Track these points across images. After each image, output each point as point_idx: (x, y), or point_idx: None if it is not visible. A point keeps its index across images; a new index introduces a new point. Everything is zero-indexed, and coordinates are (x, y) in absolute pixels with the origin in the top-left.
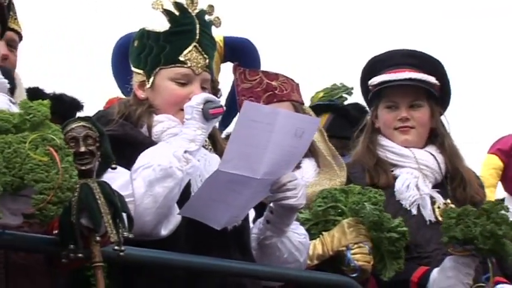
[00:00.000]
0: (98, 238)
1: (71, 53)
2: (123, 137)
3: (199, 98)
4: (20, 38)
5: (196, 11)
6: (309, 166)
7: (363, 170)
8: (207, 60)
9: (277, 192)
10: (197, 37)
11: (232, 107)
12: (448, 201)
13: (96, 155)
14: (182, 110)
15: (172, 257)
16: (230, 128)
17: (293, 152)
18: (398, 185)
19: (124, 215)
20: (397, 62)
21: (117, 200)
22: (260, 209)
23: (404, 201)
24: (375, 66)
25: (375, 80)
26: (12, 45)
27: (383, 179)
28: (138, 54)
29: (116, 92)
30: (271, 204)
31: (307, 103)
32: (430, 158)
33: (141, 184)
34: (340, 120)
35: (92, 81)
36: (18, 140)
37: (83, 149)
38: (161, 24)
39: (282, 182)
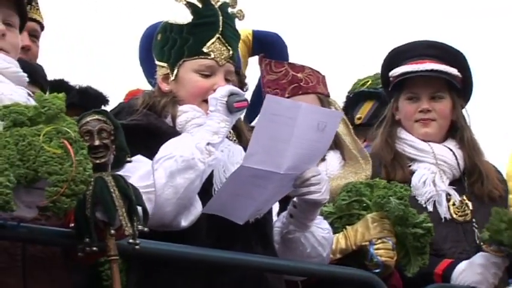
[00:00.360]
0: (112, 231)
1: (71, 53)
2: (146, 126)
3: (224, 90)
4: (42, 28)
5: (219, 3)
6: (333, 159)
7: (380, 164)
8: (231, 52)
9: (301, 187)
10: (220, 29)
11: (259, 100)
12: (464, 197)
13: (110, 148)
14: (206, 101)
15: (189, 251)
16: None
17: (316, 147)
18: (414, 180)
19: (139, 208)
20: (418, 53)
21: (131, 193)
22: (284, 202)
23: (420, 197)
24: (396, 57)
25: (396, 71)
26: (34, 36)
27: (399, 174)
28: (161, 47)
29: (122, 90)
30: (295, 199)
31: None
32: (448, 153)
33: (163, 175)
34: (384, 109)
35: (92, 81)
36: (33, 132)
37: (97, 142)
38: (183, 17)
39: (306, 176)
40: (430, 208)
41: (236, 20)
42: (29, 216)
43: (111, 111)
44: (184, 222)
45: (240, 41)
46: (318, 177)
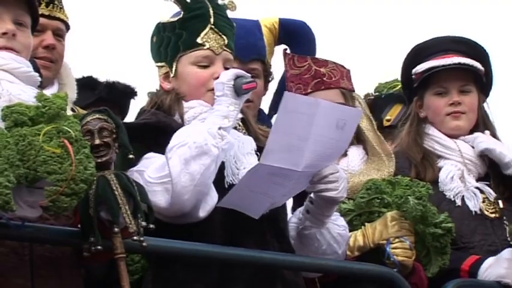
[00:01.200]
0: (116, 230)
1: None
2: (156, 124)
3: (229, 73)
4: (67, 27)
5: None
6: (355, 154)
7: (409, 163)
8: (226, 40)
9: (318, 183)
10: (211, 19)
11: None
12: (495, 194)
13: (112, 146)
14: (209, 91)
15: (200, 248)
16: None
17: (335, 145)
18: (442, 176)
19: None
20: (443, 48)
21: (135, 190)
22: (300, 198)
23: (448, 192)
24: (419, 53)
25: (422, 67)
26: (59, 35)
27: (429, 173)
28: (157, 48)
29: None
30: (312, 195)
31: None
32: (473, 151)
33: (177, 162)
34: None
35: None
36: (33, 132)
37: (97, 141)
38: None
39: (324, 173)
40: (459, 202)
41: (228, 11)
42: (32, 216)
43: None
44: (202, 213)
45: (267, 29)
46: (336, 174)
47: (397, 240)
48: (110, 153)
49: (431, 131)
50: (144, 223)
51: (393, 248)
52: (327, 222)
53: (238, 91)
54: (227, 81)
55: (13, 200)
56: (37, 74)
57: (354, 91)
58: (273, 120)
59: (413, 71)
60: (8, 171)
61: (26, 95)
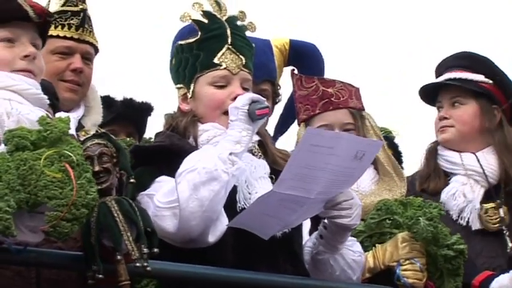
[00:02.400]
0: (119, 257)
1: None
2: (169, 147)
3: (244, 98)
4: (96, 50)
5: (226, 17)
6: (365, 174)
7: (418, 177)
8: (244, 60)
9: (332, 209)
10: (229, 40)
11: (291, 113)
12: (497, 204)
13: (113, 172)
14: (226, 113)
15: (204, 271)
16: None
17: (351, 174)
18: (442, 195)
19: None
20: (448, 65)
21: (137, 216)
22: (316, 222)
23: (452, 211)
24: (435, 71)
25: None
26: (87, 58)
27: (432, 184)
28: (176, 70)
29: None
30: (326, 220)
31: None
32: (475, 162)
33: (186, 188)
34: None
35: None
36: (34, 156)
37: (97, 168)
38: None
39: (337, 200)
40: (463, 222)
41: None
42: (33, 241)
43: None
44: (212, 238)
45: (277, 50)
46: (351, 201)
47: (407, 262)
48: (111, 179)
49: (441, 150)
50: (146, 249)
51: (403, 270)
52: (341, 248)
53: (252, 116)
54: (242, 106)
55: (14, 225)
56: (46, 97)
57: (363, 110)
58: (277, 143)
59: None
60: (8, 196)
61: (34, 115)
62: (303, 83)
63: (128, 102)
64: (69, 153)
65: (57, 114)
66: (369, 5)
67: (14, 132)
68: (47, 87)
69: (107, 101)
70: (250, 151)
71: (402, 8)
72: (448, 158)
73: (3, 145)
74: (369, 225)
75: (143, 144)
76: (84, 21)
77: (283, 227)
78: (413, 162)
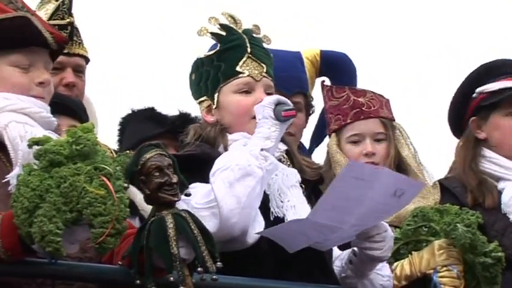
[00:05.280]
0: (200, 269)
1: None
2: (201, 156)
3: (270, 97)
4: (87, 61)
5: (241, 29)
6: None
7: (465, 189)
8: (265, 68)
9: (364, 240)
10: (248, 49)
11: (326, 123)
12: None
13: (178, 183)
14: (252, 118)
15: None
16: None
17: (388, 210)
18: (505, 198)
19: None
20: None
21: (208, 229)
22: None
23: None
24: (488, 72)
25: (493, 86)
26: (79, 71)
27: (489, 199)
28: (197, 84)
29: None
30: (356, 248)
31: None
32: None
33: (221, 186)
34: None
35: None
36: (73, 172)
37: (174, 179)
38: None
39: (371, 233)
40: None
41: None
42: (71, 252)
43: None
44: (250, 239)
45: (308, 61)
46: (383, 234)
47: (444, 268)
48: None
49: (488, 153)
50: (220, 263)
51: (440, 277)
52: (370, 274)
53: (278, 117)
54: (268, 104)
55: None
56: (55, 119)
57: (394, 120)
58: (313, 156)
59: (480, 89)
60: (56, 217)
61: None
62: (334, 93)
63: (185, 117)
64: (104, 166)
65: None
66: (387, 7)
67: (46, 147)
68: (78, 105)
69: (155, 114)
70: (279, 160)
71: (421, 9)
72: (501, 163)
73: (17, 168)
74: (405, 232)
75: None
76: (72, 34)
77: (314, 244)
78: (431, 165)
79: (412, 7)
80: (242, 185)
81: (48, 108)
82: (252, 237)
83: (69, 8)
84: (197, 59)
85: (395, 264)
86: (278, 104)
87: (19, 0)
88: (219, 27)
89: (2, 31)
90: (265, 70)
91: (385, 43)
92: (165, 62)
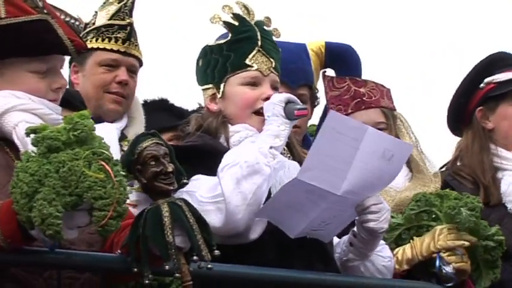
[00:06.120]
0: (195, 257)
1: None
2: (203, 147)
3: (280, 95)
4: (141, 63)
5: (254, 20)
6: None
7: (477, 186)
8: (273, 63)
9: (361, 213)
10: (259, 42)
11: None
12: None
13: (174, 172)
14: (255, 113)
15: (262, 272)
16: None
17: (380, 175)
18: (503, 187)
19: None
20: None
21: (203, 217)
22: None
23: (510, 204)
24: (496, 63)
25: (502, 77)
26: (132, 71)
27: (495, 196)
28: (204, 71)
29: None
30: (355, 228)
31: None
32: None
33: (229, 182)
34: None
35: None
36: (71, 157)
37: (170, 168)
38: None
39: (366, 205)
40: None
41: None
42: (70, 237)
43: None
44: (253, 234)
45: (313, 53)
46: (379, 205)
47: (448, 252)
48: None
49: (491, 145)
50: (217, 251)
51: (447, 256)
52: (371, 255)
53: (289, 116)
54: (278, 102)
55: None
56: (60, 117)
57: (395, 110)
58: None
59: (488, 79)
60: (56, 200)
61: None
62: (335, 84)
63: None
64: (102, 150)
65: (102, 125)
66: (390, 6)
67: (44, 133)
68: (75, 96)
69: (169, 106)
70: (280, 152)
71: (424, 8)
72: (500, 153)
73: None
74: (408, 217)
75: (176, 144)
76: (130, 35)
77: (310, 229)
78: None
79: (415, 6)
80: (249, 182)
81: (60, 109)
82: (256, 232)
83: (131, 10)
84: (206, 45)
85: (397, 249)
86: (288, 102)
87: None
88: (232, 16)
89: (21, 37)
90: (273, 65)
91: (389, 42)
92: (177, 60)
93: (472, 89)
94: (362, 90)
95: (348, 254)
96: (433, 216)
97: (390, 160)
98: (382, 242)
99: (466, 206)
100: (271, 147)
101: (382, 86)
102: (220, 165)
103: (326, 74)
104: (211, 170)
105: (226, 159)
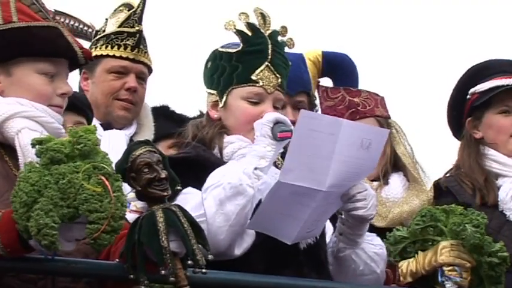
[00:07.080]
0: (190, 262)
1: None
2: (195, 158)
3: (270, 116)
4: (150, 71)
5: (269, 31)
6: (397, 181)
7: (474, 189)
8: (280, 80)
9: (347, 202)
10: (269, 57)
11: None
12: None
13: (168, 179)
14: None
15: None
16: None
17: (361, 164)
18: (502, 195)
19: None
20: (503, 69)
21: (198, 223)
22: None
23: (509, 211)
24: (478, 74)
25: (483, 86)
26: (141, 78)
27: (491, 197)
28: (211, 75)
29: None
30: (343, 216)
31: None
32: None
33: (212, 203)
34: None
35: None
36: (71, 170)
37: (163, 175)
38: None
39: (352, 193)
40: None
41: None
42: (68, 250)
43: None
44: (238, 251)
45: (310, 62)
46: (364, 193)
47: (450, 267)
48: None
49: (487, 150)
50: (211, 256)
51: (449, 271)
52: (361, 242)
53: (274, 137)
54: (266, 122)
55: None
56: (61, 126)
57: (389, 118)
58: None
59: (472, 90)
60: (53, 211)
61: None
62: (329, 94)
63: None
64: (103, 165)
65: (111, 131)
66: (387, 14)
67: (47, 145)
68: (81, 100)
69: (171, 113)
70: (274, 163)
71: (422, 17)
72: (499, 159)
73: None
74: (413, 231)
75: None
76: (139, 42)
77: (305, 231)
78: (435, 170)
79: (412, 14)
80: (232, 203)
81: (61, 119)
82: (241, 248)
83: (140, 17)
84: (216, 50)
85: (401, 262)
86: (277, 123)
87: (49, 12)
88: (246, 25)
89: (33, 38)
90: (279, 82)
91: (385, 50)
92: (189, 65)
93: (460, 100)
94: (356, 100)
95: (338, 244)
96: (439, 230)
97: (369, 148)
98: (372, 233)
99: (471, 222)
100: (255, 168)
101: (376, 94)
102: (205, 185)
103: (320, 84)
104: (202, 181)
105: (211, 179)
